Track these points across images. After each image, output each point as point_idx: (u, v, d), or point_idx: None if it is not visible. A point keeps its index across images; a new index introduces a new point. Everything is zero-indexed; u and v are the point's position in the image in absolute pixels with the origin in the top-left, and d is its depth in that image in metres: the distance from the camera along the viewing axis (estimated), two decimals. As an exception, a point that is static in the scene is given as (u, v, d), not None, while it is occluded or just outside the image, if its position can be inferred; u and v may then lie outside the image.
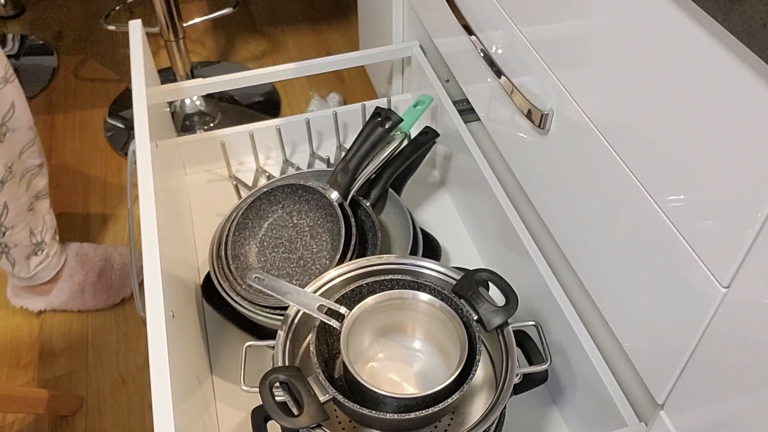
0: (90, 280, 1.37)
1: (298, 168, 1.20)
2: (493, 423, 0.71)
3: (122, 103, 1.86)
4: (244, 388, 0.73)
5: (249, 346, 0.79)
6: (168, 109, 1.09)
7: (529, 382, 0.77)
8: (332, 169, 0.96)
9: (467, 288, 0.76)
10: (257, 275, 0.76)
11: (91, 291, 1.37)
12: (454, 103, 1.12)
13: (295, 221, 0.97)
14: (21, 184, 1.18)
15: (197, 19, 1.90)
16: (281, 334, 0.75)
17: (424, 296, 0.77)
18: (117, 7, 2.14)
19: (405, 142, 1.00)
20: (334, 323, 0.75)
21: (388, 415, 0.68)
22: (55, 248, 1.31)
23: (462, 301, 0.76)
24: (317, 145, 1.25)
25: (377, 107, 0.96)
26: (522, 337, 0.79)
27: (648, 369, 0.68)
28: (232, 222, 0.94)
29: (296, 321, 0.77)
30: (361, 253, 0.93)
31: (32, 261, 1.27)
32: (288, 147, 1.22)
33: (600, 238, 0.71)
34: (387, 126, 0.93)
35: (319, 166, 1.20)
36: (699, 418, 0.62)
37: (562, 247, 0.80)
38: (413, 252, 0.94)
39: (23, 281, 1.31)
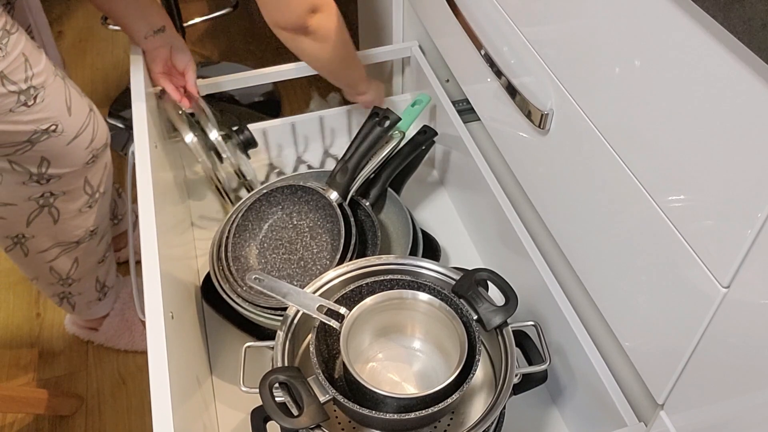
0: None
1: (309, 166, 1.20)
2: (492, 423, 0.71)
3: (122, 103, 1.86)
4: (244, 388, 0.73)
5: (249, 346, 0.79)
6: (175, 108, 1.09)
7: (528, 382, 0.77)
8: (331, 169, 0.96)
9: (467, 288, 0.76)
10: (257, 276, 0.76)
11: (139, 329, 1.34)
12: (454, 103, 1.12)
13: (295, 222, 0.97)
14: (101, 243, 1.17)
15: (197, 19, 1.90)
16: (281, 334, 0.75)
17: (423, 296, 0.77)
18: (117, 7, 2.13)
19: (403, 142, 1.00)
20: (333, 323, 0.74)
21: (388, 415, 0.68)
22: (118, 286, 1.29)
23: (462, 300, 0.76)
24: (329, 143, 1.24)
25: (375, 107, 0.96)
26: (521, 337, 0.79)
27: (648, 369, 0.68)
28: (232, 224, 0.94)
29: (296, 321, 0.77)
30: (361, 253, 0.93)
31: (93, 307, 1.26)
32: (275, 148, 1.22)
33: (600, 238, 0.71)
34: (385, 125, 0.93)
35: (331, 164, 1.20)
36: (699, 418, 0.62)
37: (562, 247, 0.80)
38: (413, 252, 0.94)
39: (79, 316, 1.31)
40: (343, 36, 0.95)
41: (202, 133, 1.10)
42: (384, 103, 1.11)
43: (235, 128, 1.08)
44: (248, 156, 1.07)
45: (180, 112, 1.07)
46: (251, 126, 1.19)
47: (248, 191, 1.09)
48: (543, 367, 0.76)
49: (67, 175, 1.02)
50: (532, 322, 0.79)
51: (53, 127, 0.94)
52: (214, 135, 1.03)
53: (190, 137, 0.98)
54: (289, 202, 0.96)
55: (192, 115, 1.09)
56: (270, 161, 1.18)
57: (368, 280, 0.78)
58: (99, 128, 1.03)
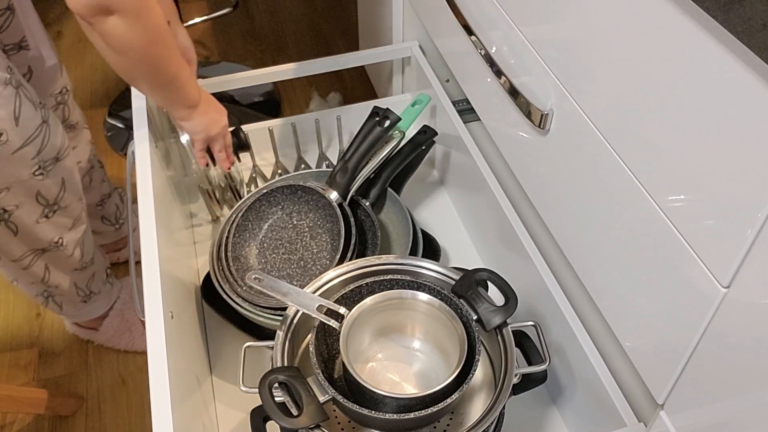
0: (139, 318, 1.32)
1: (306, 167, 1.20)
2: (492, 423, 0.71)
3: (122, 103, 1.86)
4: (244, 388, 0.73)
5: (248, 346, 0.79)
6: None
7: (528, 383, 0.77)
8: (332, 169, 0.96)
9: (466, 288, 0.76)
10: (257, 276, 0.76)
11: (139, 330, 1.33)
12: (454, 103, 1.12)
13: (295, 222, 0.97)
14: (74, 253, 1.16)
15: (197, 19, 1.90)
16: (280, 334, 0.75)
17: (423, 296, 0.77)
18: (117, 7, 2.13)
19: (402, 142, 1.00)
20: (333, 323, 0.74)
21: (388, 415, 0.68)
22: (106, 291, 1.28)
23: (461, 300, 0.76)
24: (329, 143, 1.24)
25: (375, 106, 0.96)
26: (521, 337, 0.79)
27: (648, 369, 0.68)
28: (232, 224, 0.94)
29: (295, 321, 0.76)
30: (360, 253, 0.93)
31: (80, 309, 1.26)
32: (280, 148, 1.22)
33: (600, 237, 0.71)
34: (385, 125, 0.93)
35: (331, 165, 1.20)
36: (699, 418, 0.62)
37: (562, 247, 0.80)
38: (413, 252, 0.94)
39: (73, 318, 1.30)
40: (157, 30, 0.79)
41: None
42: (218, 139, 0.99)
43: (230, 129, 1.08)
44: (239, 159, 1.07)
45: None
46: (251, 126, 1.20)
47: (234, 194, 1.08)
48: (543, 367, 0.76)
49: (15, 187, 1.00)
50: (531, 322, 0.79)
51: None
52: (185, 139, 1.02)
53: (185, 137, 0.98)
54: (289, 202, 0.96)
55: None
56: (276, 160, 1.18)
57: (368, 280, 0.78)
58: (50, 141, 1.01)
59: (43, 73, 1.14)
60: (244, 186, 1.13)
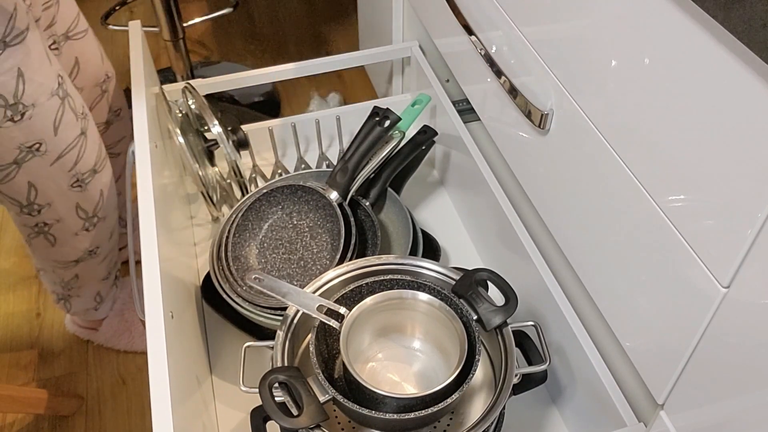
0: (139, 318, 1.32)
1: (306, 167, 1.20)
2: (492, 423, 0.71)
3: (122, 103, 1.86)
4: (244, 388, 0.73)
5: (248, 346, 0.79)
6: (167, 109, 1.09)
7: (528, 383, 0.77)
8: (332, 169, 0.96)
9: (467, 288, 0.76)
10: (257, 276, 0.76)
11: (139, 330, 1.33)
12: (454, 103, 1.12)
13: (295, 222, 0.97)
14: (103, 262, 1.16)
15: (197, 19, 1.90)
16: (280, 334, 0.75)
17: (423, 296, 0.77)
18: (117, 7, 2.14)
19: (402, 142, 1.00)
20: (333, 323, 0.74)
21: (388, 415, 0.68)
22: (113, 295, 1.28)
23: (461, 300, 0.76)
24: (329, 143, 1.24)
25: (375, 106, 0.96)
26: (521, 338, 0.79)
27: (648, 369, 0.68)
28: (232, 223, 0.94)
29: (295, 321, 0.77)
30: (360, 253, 0.93)
31: (88, 314, 1.26)
32: (280, 148, 1.22)
33: (600, 237, 0.71)
34: (385, 125, 0.93)
35: (331, 165, 1.20)
36: (699, 418, 0.62)
37: (562, 247, 0.80)
38: (413, 252, 0.94)
39: (76, 316, 1.31)
40: None
41: (196, 134, 1.10)
42: None
43: (229, 128, 1.08)
44: (240, 156, 1.08)
45: (178, 112, 1.07)
46: (251, 126, 1.20)
47: (242, 189, 1.09)
48: (543, 367, 0.76)
49: (56, 203, 1.01)
50: (531, 322, 0.79)
51: (37, 146, 0.94)
52: (217, 129, 1.03)
53: (181, 139, 0.98)
54: (289, 202, 0.96)
55: (187, 115, 1.09)
56: (276, 160, 1.18)
57: (368, 280, 0.78)
58: (86, 152, 1.02)
59: (89, 64, 1.13)
60: (248, 183, 1.13)
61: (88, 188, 1.04)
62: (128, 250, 1.07)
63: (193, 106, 1.08)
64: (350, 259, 0.87)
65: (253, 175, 1.17)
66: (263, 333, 0.93)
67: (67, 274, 1.14)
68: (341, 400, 0.68)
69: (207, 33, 2.10)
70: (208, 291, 0.94)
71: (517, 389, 0.77)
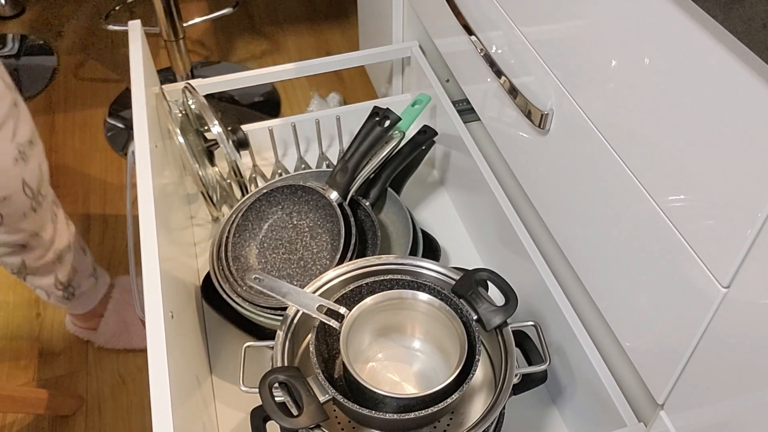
0: (137, 316, 1.31)
1: (306, 167, 1.20)
2: (492, 423, 0.71)
3: (122, 103, 1.86)
4: (244, 388, 0.73)
5: (248, 346, 0.79)
6: (167, 109, 1.09)
7: (528, 383, 0.77)
8: (332, 169, 0.96)
9: (467, 288, 0.76)
10: (257, 276, 0.76)
11: (137, 328, 1.32)
12: (454, 103, 1.12)
13: (295, 222, 0.97)
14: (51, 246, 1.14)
15: (197, 19, 1.90)
16: (280, 334, 0.75)
17: (423, 296, 0.77)
18: (117, 7, 2.14)
19: (402, 142, 1.00)
20: (333, 323, 0.74)
21: (388, 415, 0.68)
22: (90, 285, 1.27)
23: (461, 300, 0.76)
24: (329, 143, 1.24)
25: (375, 106, 0.96)
26: (521, 338, 0.79)
27: (648, 369, 0.68)
28: (232, 224, 0.94)
29: (295, 321, 0.77)
30: (360, 253, 0.93)
31: (65, 304, 1.25)
32: (280, 148, 1.22)
33: (600, 237, 0.71)
34: (385, 125, 0.93)
35: (331, 165, 1.20)
36: (699, 418, 0.62)
37: (562, 247, 0.80)
38: (413, 252, 0.94)
39: (65, 308, 1.30)
40: None
41: (196, 134, 1.10)
42: None
43: (229, 128, 1.08)
44: (240, 156, 1.08)
45: (178, 112, 1.07)
46: (251, 126, 1.20)
47: (242, 189, 1.09)
48: (543, 367, 0.76)
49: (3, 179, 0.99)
50: (531, 322, 0.79)
51: None
52: (217, 129, 1.03)
53: (181, 139, 0.98)
54: (289, 202, 0.96)
55: (187, 115, 1.09)
56: (276, 160, 1.18)
57: (368, 280, 0.78)
58: (21, 122, 1.00)
59: None
60: (248, 183, 1.13)
61: (29, 162, 1.03)
62: (128, 250, 1.07)
63: (193, 106, 1.08)
64: (350, 259, 0.87)
65: (253, 175, 1.17)
66: (263, 333, 0.93)
67: (16, 259, 1.12)
68: (341, 400, 0.68)
69: (207, 33, 2.10)
70: (208, 291, 0.94)
71: (517, 389, 0.77)
